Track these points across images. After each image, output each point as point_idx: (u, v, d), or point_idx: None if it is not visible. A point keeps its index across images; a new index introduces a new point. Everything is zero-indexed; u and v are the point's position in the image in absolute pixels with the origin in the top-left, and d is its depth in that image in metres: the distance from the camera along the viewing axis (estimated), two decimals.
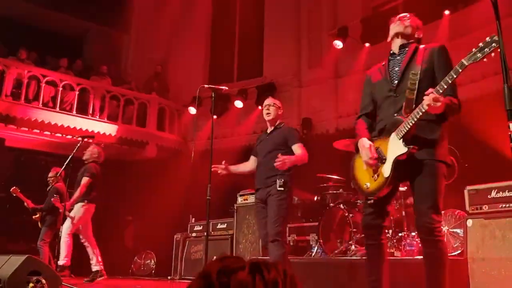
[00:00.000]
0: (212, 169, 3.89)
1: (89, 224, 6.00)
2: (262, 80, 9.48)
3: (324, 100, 8.54)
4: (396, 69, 2.62)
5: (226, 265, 0.81)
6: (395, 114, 2.51)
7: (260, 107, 8.17)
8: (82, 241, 5.97)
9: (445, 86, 2.26)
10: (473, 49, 2.17)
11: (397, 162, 2.44)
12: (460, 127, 4.88)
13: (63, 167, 5.39)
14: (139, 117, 9.92)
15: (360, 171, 2.68)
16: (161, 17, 10.68)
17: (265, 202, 3.70)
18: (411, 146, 2.40)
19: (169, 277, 7.12)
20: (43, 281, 3.54)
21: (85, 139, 5.53)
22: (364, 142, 2.60)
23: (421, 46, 2.62)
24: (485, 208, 3.54)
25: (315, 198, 5.98)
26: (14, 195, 6.40)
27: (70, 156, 5.19)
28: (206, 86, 4.27)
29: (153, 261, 8.38)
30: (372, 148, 2.55)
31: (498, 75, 2.05)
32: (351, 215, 5.07)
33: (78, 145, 5.30)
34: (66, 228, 5.78)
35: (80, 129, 8.78)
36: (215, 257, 1.03)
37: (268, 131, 3.94)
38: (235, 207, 6.26)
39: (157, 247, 8.31)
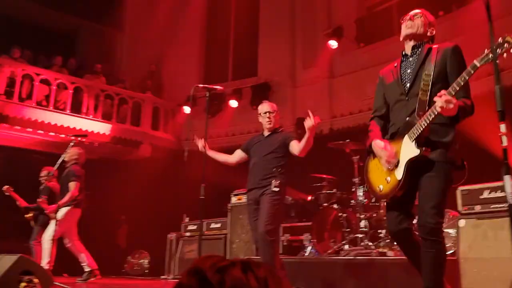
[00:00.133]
0: (194, 140, 3.96)
1: (74, 228, 5.79)
2: (256, 80, 9.49)
3: (318, 100, 8.54)
4: (409, 71, 2.58)
5: (215, 262, 0.81)
6: (407, 118, 2.48)
7: (254, 107, 8.18)
8: (68, 245, 5.75)
9: (457, 88, 2.24)
10: (485, 50, 2.14)
11: (409, 164, 2.42)
12: None
13: (56, 166, 5.35)
14: (133, 116, 9.88)
15: (373, 174, 2.66)
16: (155, 15, 10.60)
17: (257, 203, 3.68)
18: (424, 148, 2.38)
19: (162, 277, 7.10)
20: (35, 280, 3.52)
21: (78, 138, 5.47)
22: (379, 143, 2.57)
23: (434, 46, 2.57)
24: (477, 208, 3.57)
25: (309, 198, 5.99)
26: (7, 193, 6.34)
27: (63, 155, 5.15)
28: (200, 85, 4.28)
29: (146, 261, 8.37)
30: (388, 146, 2.52)
31: (490, 75, 2.07)
32: (344, 215, 5.09)
33: (71, 144, 5.26)
34: (50, 232, 5.47)
35: (74, 128, 8.74)
36: (200, 256, 1.02)
37: (265, 134, 3.92)
38: (229, 207, 6.25)
39: (150, 246, 8.29)
